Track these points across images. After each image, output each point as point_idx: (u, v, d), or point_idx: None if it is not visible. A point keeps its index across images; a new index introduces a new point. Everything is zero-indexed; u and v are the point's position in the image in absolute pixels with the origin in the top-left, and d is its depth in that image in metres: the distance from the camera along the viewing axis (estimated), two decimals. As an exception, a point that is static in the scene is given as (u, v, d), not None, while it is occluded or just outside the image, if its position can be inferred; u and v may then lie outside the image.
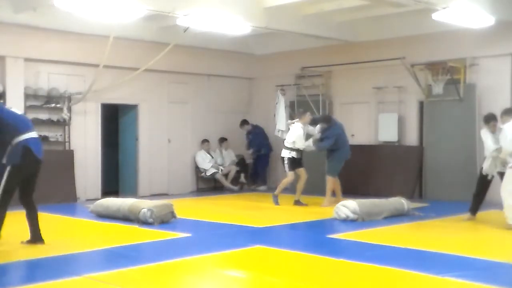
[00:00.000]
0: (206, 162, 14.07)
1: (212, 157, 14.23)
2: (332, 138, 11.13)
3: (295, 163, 11.22)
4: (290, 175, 11.26)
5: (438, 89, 11.92)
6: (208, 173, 14.05)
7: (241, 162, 14.66)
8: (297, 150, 11.20)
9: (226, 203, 12.02)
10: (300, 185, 11.22)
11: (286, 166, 11.24)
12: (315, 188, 12.00)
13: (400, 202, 9.75)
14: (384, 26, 12.43)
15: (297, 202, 11.18)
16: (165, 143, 13.64)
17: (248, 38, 13.69)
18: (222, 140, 14.60)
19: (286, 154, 11.24)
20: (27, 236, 7.13)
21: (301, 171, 11.28)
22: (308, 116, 11.33)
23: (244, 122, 14.70)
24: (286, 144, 11.27)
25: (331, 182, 11.16)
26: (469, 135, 11.70)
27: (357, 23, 12.60)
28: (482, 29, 10.79)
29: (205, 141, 14.22)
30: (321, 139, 11.30)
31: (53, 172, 11.47)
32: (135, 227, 8.53)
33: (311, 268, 6.16)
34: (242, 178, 14.52)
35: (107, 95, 12.50)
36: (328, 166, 11.23)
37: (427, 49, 12.15)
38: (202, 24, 10.36)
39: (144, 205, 8.88)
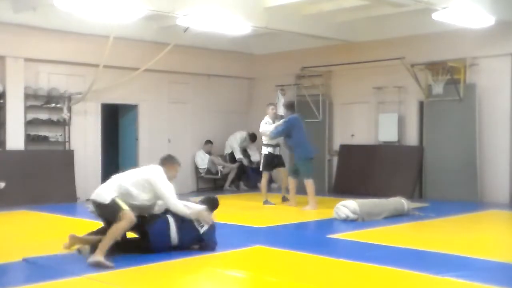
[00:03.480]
0: (205, 162, 14.06)
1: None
2: (282, 127, 10.71)
3: (272, 161, 11.04)
4: (264, 176, 11.17)
5: (438, 89, 11.93)
6: (205, 171, 14.03)
7: (241, 167, 14.45)
8: (274, 146, 11.03)
9: (226, 203, 11.94)
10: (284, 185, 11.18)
11: (261, 164, 11.15)
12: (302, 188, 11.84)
13: (400, 202, 9.74)
14: (384, 26, 12.42)
15: (266, 202, 11.05)
16: (165, 143, 13.63)
17: (248, 38, 13.67)
18: (253, 137, 14.39)
19: (263, 150, 11.14)
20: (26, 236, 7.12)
21: (281, 170, 11.25)
22: (271, 110, 11.21)
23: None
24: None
25: (310, 185, 10.54)
26: (469, 135, 11.70)
27: (357, 23, 12.59)
28: (482, 29, 10.78)
29: (208, 142, 14.20)
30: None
31: (53, 172, 11.54)
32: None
33: (311, 268, 6.15)
34: (242, 185, 14.46)
35: (107, 95, 12.50)
36: (300, 171, 10.68)
37: (427, 49, 12.14)
38: (202, 24, 10.36)
39: (144, 205, 8.85)
